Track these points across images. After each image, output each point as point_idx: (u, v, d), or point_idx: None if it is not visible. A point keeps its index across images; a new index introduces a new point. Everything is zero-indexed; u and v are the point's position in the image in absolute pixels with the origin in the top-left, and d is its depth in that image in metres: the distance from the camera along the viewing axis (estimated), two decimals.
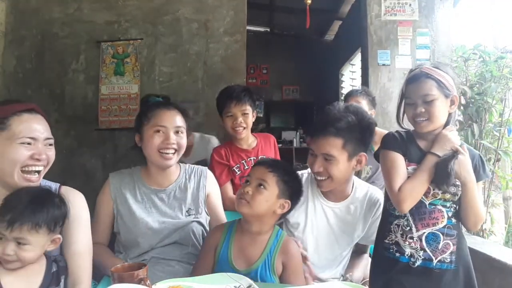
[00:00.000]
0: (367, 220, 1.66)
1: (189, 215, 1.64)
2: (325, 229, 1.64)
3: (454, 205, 1.51)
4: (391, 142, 1.52)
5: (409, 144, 1.51)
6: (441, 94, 1.46)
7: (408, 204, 1.42)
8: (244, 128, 2.21)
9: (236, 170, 2.22)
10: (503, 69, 2.71)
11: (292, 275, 1.41)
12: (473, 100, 2.83)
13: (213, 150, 2.33)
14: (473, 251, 2.21)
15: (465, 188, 1.44)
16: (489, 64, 2.75)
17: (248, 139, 2.32)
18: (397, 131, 1.57)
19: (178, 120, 1.61)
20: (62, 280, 1.26)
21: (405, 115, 1.55)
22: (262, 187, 1.38)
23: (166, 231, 1.59)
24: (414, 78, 1.49)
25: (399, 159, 1.48)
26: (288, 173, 1.45)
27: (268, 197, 1.38)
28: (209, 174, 1.76)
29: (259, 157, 2.28)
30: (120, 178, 1.65)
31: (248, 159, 2.28)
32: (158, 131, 1.57)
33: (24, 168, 1.23)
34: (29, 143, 1.23)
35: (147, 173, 1.66)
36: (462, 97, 2.92)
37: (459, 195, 1.49)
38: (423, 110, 1.45)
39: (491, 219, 2.85)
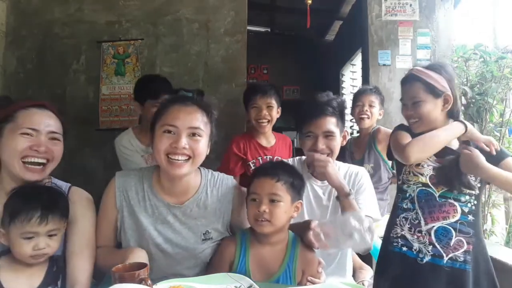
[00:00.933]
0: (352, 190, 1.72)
1: (206, 239, 1.40)
2: (320, 209, 1.68)
3: (472, 201, 1.45)
4: (403, 127, 1.59)
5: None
6: (430, 95, 1.48)
7: (413, 151, 1.43)
8: (268, 121, 2.26)
9: (252, 165, 2.25)
10: (503, 69, 2.72)
11: (308, 281, 1.35)
12: (473, 100, 2.83)
13: (233, 141, 2.33)
14: None
15: (490, 181, 1.44)
16: (489, 64, 2.76)
17: (269, 136, 2.37)
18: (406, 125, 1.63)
19: (195, 120, 1.31)
20: (60, 280, 1.27)
21: None
22: (276, 201, 1.32)
23: (179, 256, 1.38)
24: (405, 80, 1.57)
25: (406, 134, 1.53)
26: (291, 174, 1.39)
27: (285, 208, 1.33)
28: (236, 190, 1.48)
29: (275, 158, 2.30)
30: (129, 183, 1.39)
31: (265, 157, 2.29)
32: (169, 131, 1.29)
33: (25, 159, 1.24)
34: (30, 134, 1.25)
35: (160, 182, 1.39)
36: (463, 97, 2.93)
37: (477, 191, 1.46)
38: (412, 112, 1.51)
39: (492, 219, 2.86)
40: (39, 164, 1.27)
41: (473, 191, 1.45)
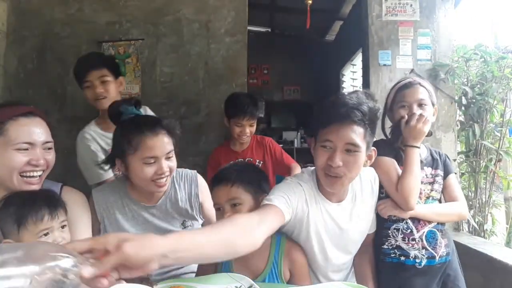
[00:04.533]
0: (373, 200, 1.50)
1: (185, 227, 1.57)
2: (340, 231, 1.42)
3: (437, 202, 1.65)
4: (382, 149, 1.55)
5: (397, 149, 1.62)
6: (430, 101, 1.62)
7: (413, 199, 1.50)
8: (249, 136, 2.44)
9: None
10: (504, 70, 2.71)
11: (299, 280, 1.35)
12: (474, 101, 2.83)
13: (212, 151, 2.57)
14: (474, 252, 2.22)
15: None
16: (490, 65, 2.75)
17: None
18: (382, 140, 1.71)
19: (168, 145, 1.44)
20: None
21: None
22: (237, 205, 1.31)
23: None
24: (410, 85, 1.63)
25: (394, 163, 1.59)
26: (246, 172, 1.38)
27: (248, 208, 1.32)
28: (200, 180, 1.64)
29: (246, 160, 2.42)
30: (105, 196, 1.53)
31: (237, 160, 2.39)
32: (149, 162, 1.40)
33: (23, 174, 1.22)
34: (26, 149, 1.20)
35: (134, 189, 1.53)
36: (463, 97, 2.92)
37: (440, 191, 1.66)
38: (418, 109, 1.58)
39: (493, 219, 2.85)
40: (38, 176, 1.25)
41: (438, 191, 1.66)
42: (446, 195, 1.67)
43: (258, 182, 1.39)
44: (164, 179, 1.45)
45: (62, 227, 1.22)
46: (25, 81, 3.08)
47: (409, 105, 1.59)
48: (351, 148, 1.26)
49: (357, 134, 1.25)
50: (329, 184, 1.32)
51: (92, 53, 2.17)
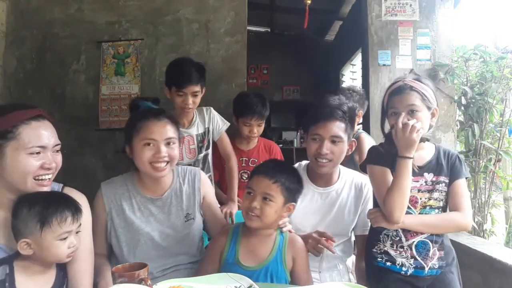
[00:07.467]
0: (358, 204, 1.72)
1: (188, 220, 1.61)
2: (318, 215, 1.70)
3: (440, 213, 1.55)
4: (376, 156, 1.57)
5: (395, 155, 1.50)
6: (424, 106, 1.50)
7: (398, 213, 1.43)
8: (257, 135, 2.48)
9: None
10: (503, 70, 2.72)
11: (301, 268, 1.45)
12: (473, 100, 2.83)
13: (216, 150, 2.45)
14: (473, 252, 2.22)
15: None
16: (489, 64, 2.76)
17: (251, 141, 2.52)
18: (381, 144, 1.63)
19: (169, 131, 1.52)
20: (65, 284, 1.27)
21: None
22: (268, 200, 1.39)
23: (166, 242, 1.57)
24: (399, 90, 1.52)
25: (385, 173, 1.51)
26: (290, 178, 1.44)
27: (276, 208, 1.40)
28: (203, 176, 1.72)
29: (251, 160, 2.45)
30: (114, 188, 1.59)
31: (240, 158, 2.43)
32: (148, 144, 1.49)
33: (36, 177, 1.23)
34: (38, 152, 1.21)
35: (141, 181, 1.60)
36: (462, 97, 2.93)
37: (442, 199, 1.55)
38: (408, 116, 1.47)
39: (492, 219, 2.86)
40: (49, 178, 1.27)
41: (441, 199, 1.55)
42: (450, 203, 1.55)
43: (295, 192, 1.46)
44: (163, 164, 1.50)
45: (77, 232, 1.23)
46: (24, 81, 3.08)
47: (399, 112, 1.49)
48: (335, 140, 1.62)
49: (340, 128, 1.62)
50: (319, 167, 1.65)
51: (193, 67, 2.20)
